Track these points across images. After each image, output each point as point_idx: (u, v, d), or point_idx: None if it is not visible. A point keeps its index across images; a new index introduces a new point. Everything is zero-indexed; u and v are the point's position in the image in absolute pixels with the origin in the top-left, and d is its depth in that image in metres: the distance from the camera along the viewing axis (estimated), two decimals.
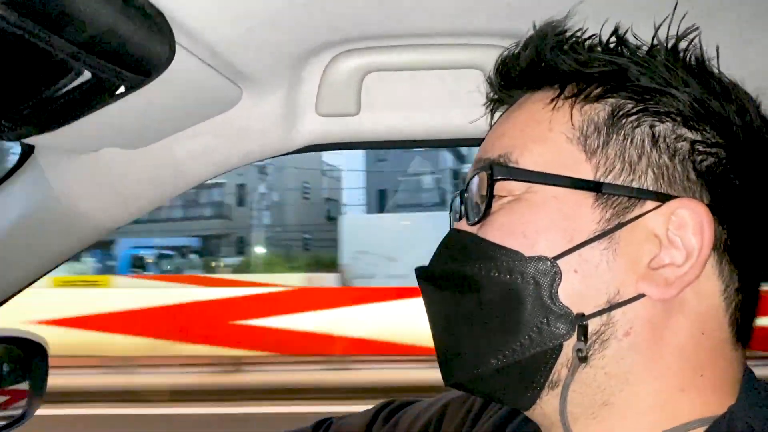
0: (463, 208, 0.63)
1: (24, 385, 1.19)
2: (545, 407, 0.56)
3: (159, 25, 0.59)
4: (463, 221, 0.62)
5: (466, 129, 0.85)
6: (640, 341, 0.53)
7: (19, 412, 1.18)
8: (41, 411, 1.14)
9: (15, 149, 0.89)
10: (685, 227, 0.53)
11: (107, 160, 0.84)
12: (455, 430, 0.79)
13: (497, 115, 0.67)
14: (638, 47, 0.57)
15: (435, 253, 0.63)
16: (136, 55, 0.58)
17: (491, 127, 0.65)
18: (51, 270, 0.97)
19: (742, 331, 0.57)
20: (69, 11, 0.49)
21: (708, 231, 0.53)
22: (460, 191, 0.64)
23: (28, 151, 0.86)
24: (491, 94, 0.67)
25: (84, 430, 5.73)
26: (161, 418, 5.86)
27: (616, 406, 0.55)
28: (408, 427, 0.84)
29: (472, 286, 0.57)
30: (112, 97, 0.62)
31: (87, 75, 0.57)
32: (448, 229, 0.66)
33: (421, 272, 0.64)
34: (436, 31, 0.77)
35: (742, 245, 0.55)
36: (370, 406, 0.94)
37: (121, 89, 0.61)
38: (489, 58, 0.74)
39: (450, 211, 0.69)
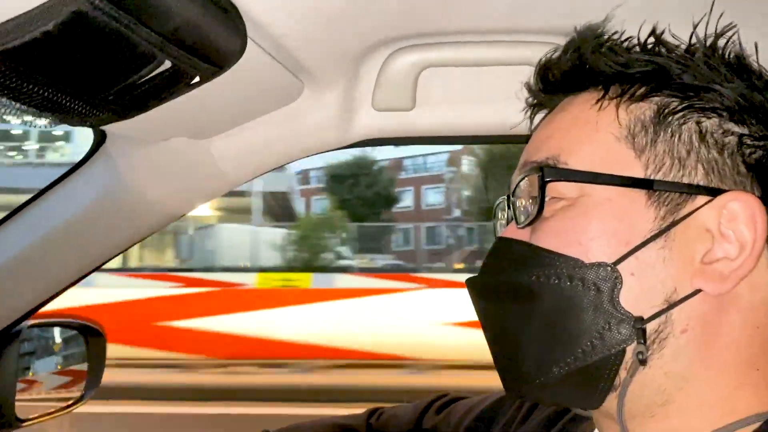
0: (510, 212, 0.63)
1: (83, 368, 1.24)
2: (606, 406, 0.57)
3: (233, 19, 0.62)
4: (512, 226, 0.62)
5: (519, 125, 0.87)
6: (696, 337, 0.54)
7: (78, 393, 1.24)
8: None
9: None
10: (737, 220, 0.53)
11: (175, 149, 0.88)
12: (507, 423, 0.80)
13: (537, 118, 0.68)
14: (677, 46, 0.58)
15: (486, 263, 0.63)
16: (212, 47, 0.61)
17: (532, 131, 0.66)
18: (119, 253, 1.01)
19: None
20: (157, 3, 0.53)
21: (761, 222, 0.53)
22: (507, 196, 0.64)
23: (100, 140, 0.90)
24: (531, 99, 0.68)
25: None
26: None
27: (675, 404, 0.55)
28: (461, 419, 0.86)
29: (530, 296, 0.56)
30: (188, 87, 0.66)
31: (167, 65, 0.60)
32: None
33: (473, 283, 0.64)
34: (491, 28, 0.78)
35: None
36: None
37: (196, 79, 0.65)
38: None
39: (494, 217, 0.69)
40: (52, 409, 1.21)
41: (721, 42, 0.58)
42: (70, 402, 1.24)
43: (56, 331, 1.26)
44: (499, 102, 0.87)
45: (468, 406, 0.89)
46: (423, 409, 0.94)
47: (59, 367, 1.24)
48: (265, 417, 5.44)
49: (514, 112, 0.87)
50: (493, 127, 0.90)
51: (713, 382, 0.54)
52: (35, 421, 1.15)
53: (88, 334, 1.24)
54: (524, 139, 0.90)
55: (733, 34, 0.58)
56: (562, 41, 0.66)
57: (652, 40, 0.59)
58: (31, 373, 1.22)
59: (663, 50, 0.58)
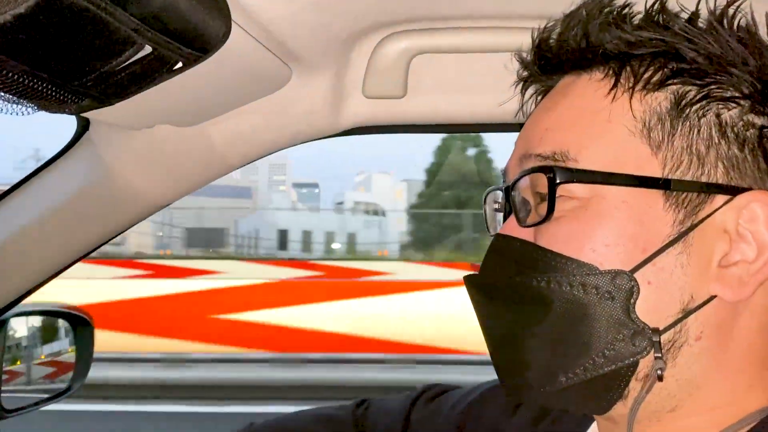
0: (509, 206, 0.59)
1: (70, 359, 1.22)
2: (612, 412, 0.54)
3: (217, 3, 0.60)
4: (512, 223, 0.57)
5: (513, 114, 0.85)
6: (710, 344, 0.51)
7: (64, 385, 1.22)
8: None
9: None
10: (757, 221, 0.50)
11: (160, 137, 0.86)
12: (499, 416, 0.79)
13: (527, 95, 0.64)
14: (677, 14, 0.54)
15: (488, 261, 0.58)
16: (194, 31, 0.59)
17: (524, 113, 0.62)
18: (102, 244, 0.99)
19: None
20: None
21: None
22: (505, 188, 0.60)
23: (83, 128, 0.88)
24: (523, 73, 0.63)
25: None
26: None
27: (684, 409, 0.53)
28: (450, 410, 0.85)
29: (539, 301, 0.53)
30: (170, 73, 0.64)
31: (147, 49, 0.58)
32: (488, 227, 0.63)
33: (474, 281, 0.59)
34: (485, 13, 0.77)
35: None
36: None
37: (179, 65, 0.63)
38: None
39: (485, 203, 0.65)
40: (39, 400, 1.19)
41: (730, 11, 0.53)
42: (58, 393, 1.22)
43: (43, 320, 1.24)
44: (493, 90, 0.85)
45: (458, 396, 0.87)
46: (413, 400, 0.93)
47: (43, 358, 1.22)
48: None
49: (508, 101, 0.86)
50: (486, 116, 0.88)
51: (725, 386, 0.52)
52: (22, 412, 1.13)
53: (76, 323, 1.22)
54: (517, 128, 0.89)
55: (742, 2, 0.53)
56: None
57: (657, 7, 0.54)
58: (18, 363, 1.20)
59: (665, 18, 0.53)
